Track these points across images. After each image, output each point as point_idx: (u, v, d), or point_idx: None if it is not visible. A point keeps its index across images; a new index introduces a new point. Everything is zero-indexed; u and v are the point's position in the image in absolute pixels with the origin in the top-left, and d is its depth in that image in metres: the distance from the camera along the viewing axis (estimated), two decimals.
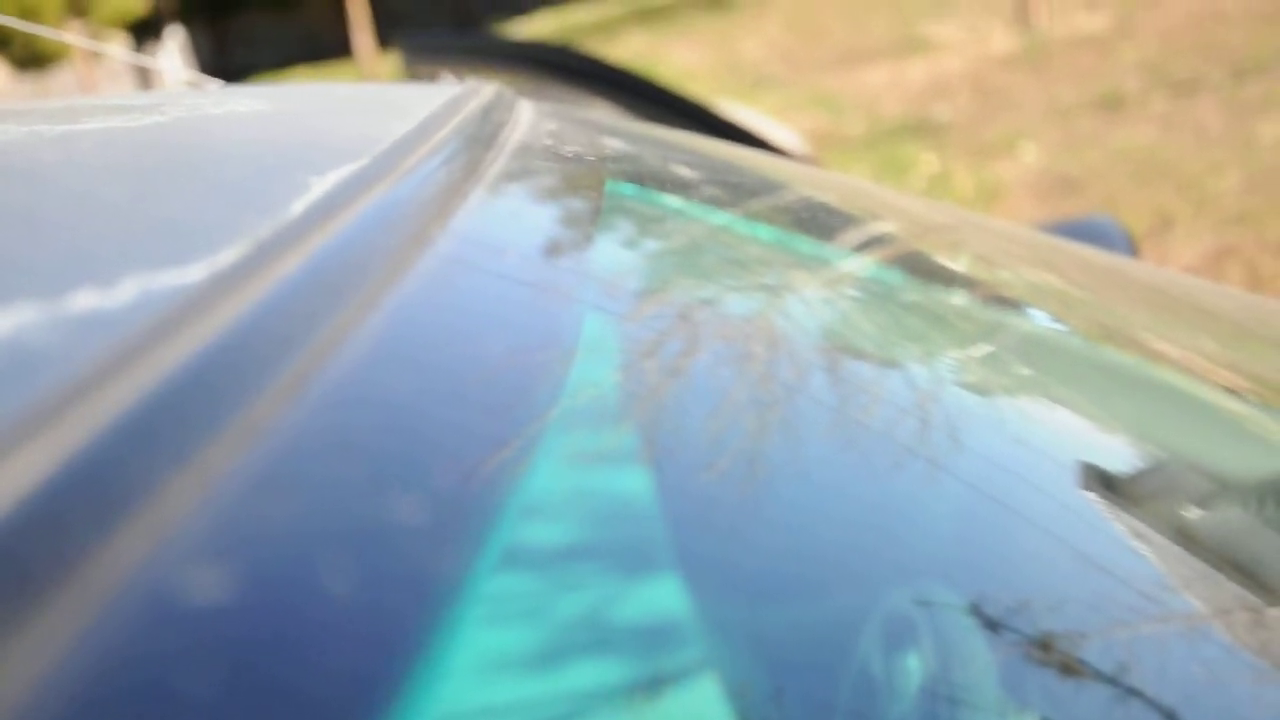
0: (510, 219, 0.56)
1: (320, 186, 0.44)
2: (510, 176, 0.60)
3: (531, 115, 0.80)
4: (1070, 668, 0.37)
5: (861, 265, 0.67)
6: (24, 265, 0.35)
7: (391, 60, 11.85)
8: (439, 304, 0.42)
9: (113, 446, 0.25)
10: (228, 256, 0.35)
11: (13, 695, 0.19)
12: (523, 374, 0.40)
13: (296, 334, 0.33)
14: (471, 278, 0.46)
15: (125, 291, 0.32)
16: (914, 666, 0.37)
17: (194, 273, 0.34)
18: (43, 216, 0.42)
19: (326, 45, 18.87)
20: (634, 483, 0.38)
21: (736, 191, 0.82)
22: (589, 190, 0.68)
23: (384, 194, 0.46)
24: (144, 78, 16.30)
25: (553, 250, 0.54)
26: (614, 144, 0.86)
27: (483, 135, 0.65)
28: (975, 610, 0.39)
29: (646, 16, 12.98)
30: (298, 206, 0.41)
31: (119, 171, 0.51)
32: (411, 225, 0.45)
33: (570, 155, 0.73)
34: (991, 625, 0.38)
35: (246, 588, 0.24)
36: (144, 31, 19.25)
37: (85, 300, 0.31)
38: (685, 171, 0.82)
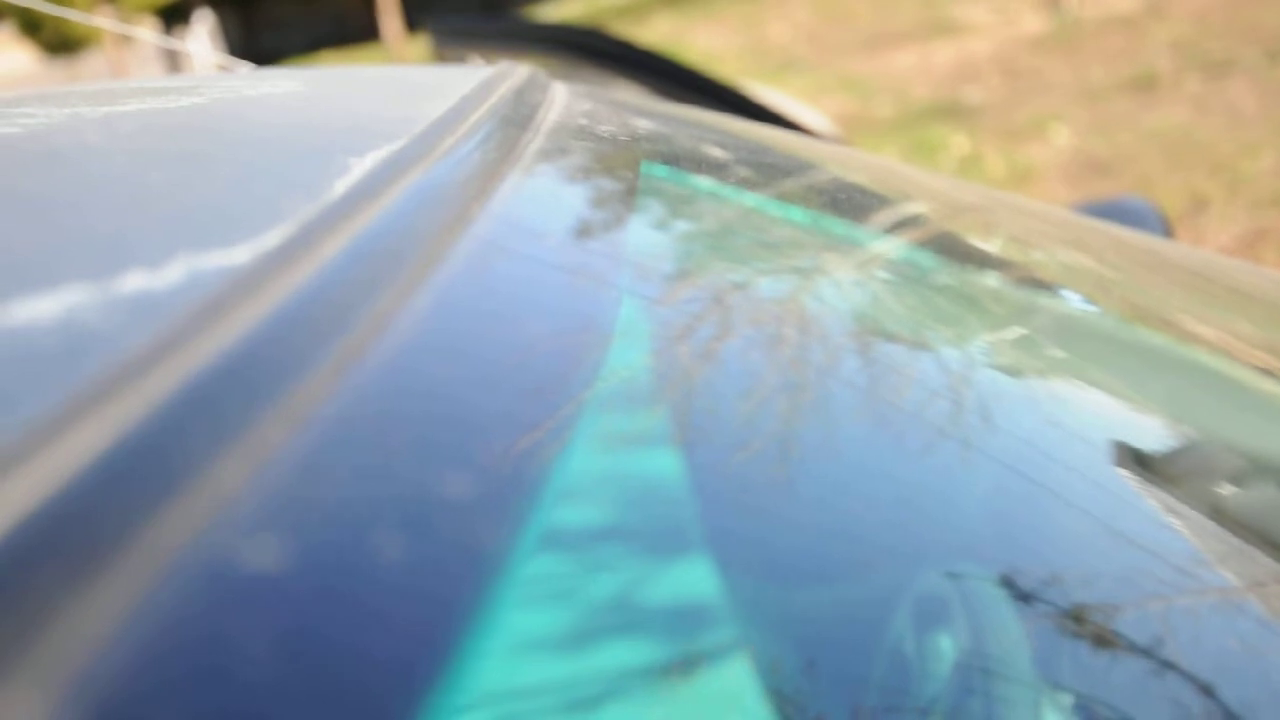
0: (548, 200, 0.56)
1: (360, 168, 0.45)
2: (547, 157, 0.61)
3: (565, 97, 0.80)
4: (1106, 644, 0.37)
5: (896, 246, 0.67)
6: (72, 248, 0.36)
7: (420, 44, 11.86)
8: (480, 286, 0.42)
9: (163, 425, 0.25)
10: (273, 238, 0.36)
11: (71, 664, 0.20)
12: (563, 357, 0.40)
13: (342, 315, 0.33)
14: (511, 259, 0.46)
15: (172, 274, 0.33)
16: (948, 646, 0.37)
17: (241, 254, 0.34)
18: (88, 200, 0.42)
19: (354, 29, 18.89)
20: (672, 465, 0.39)
21: (771, 172, 0.82)
22: (625, 171, 0.68)
23: (423, 175, 0.46)
24: (174, 62, 16.36)
25: (591, 231, 0.55)
26: (648, 125, 0.86)
27: (518, 116, 0.65)
28: (1010, 588, 0.39)
29: None
30: (339, 188, 0.42)
31: (160, 155, 0.51)
32: (452, 206, 0.45)
33: (605, 136, 0.74)
34: (1026, 603, 0.38)
35: (292, 565, 0.25)
36: (173, 16, 19.32)
37: (133, 283, 0.32)
38: (720, 152, 0.82)
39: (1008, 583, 0.39)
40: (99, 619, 0.21)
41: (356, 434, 0.30)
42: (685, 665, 0.31)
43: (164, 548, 0.23)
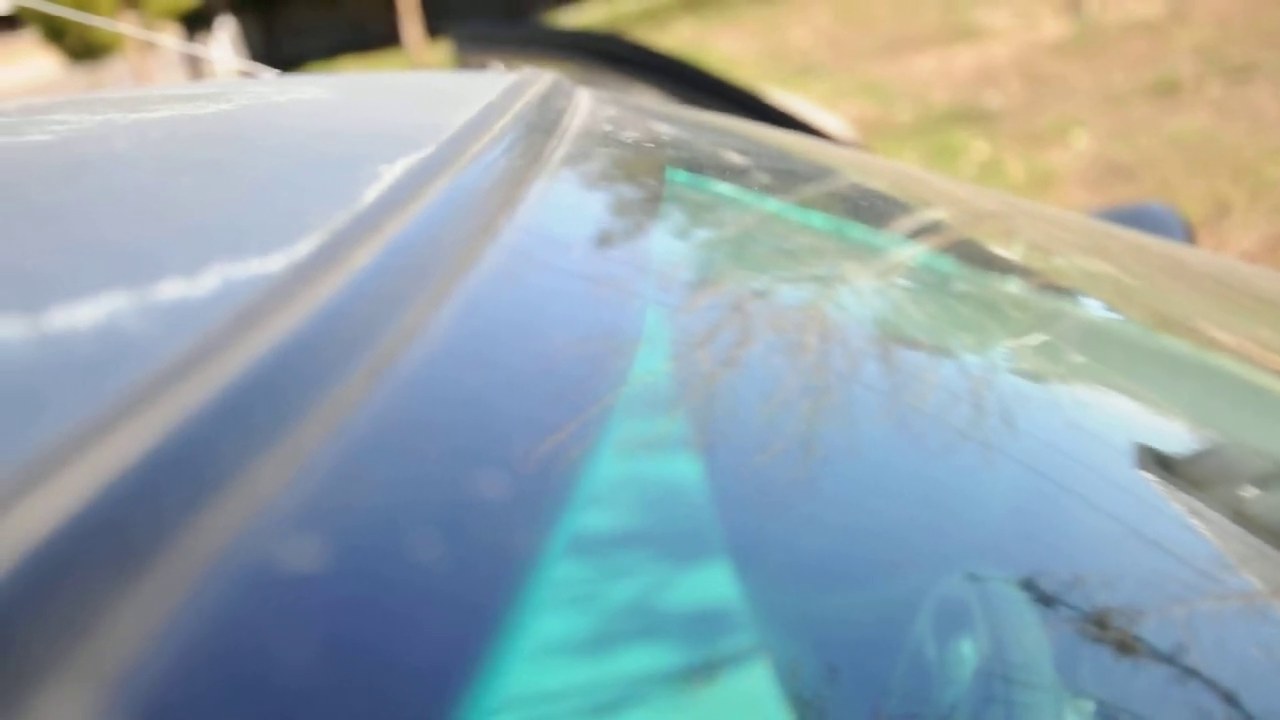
0: (574, 207, 0.57)
1: (390, 176, 0.45)
2: (572, 164, 0.61)
3: (589, 103, 0.80)
4: (1128, 648, 0.37)
5: (918, 252, 0.67)
6: (107, 256, 0.37)
7: (440, 49, 11.89)
8: (510, 293, 0.43)
9: (199, 432, 0.26)
10: (306, 247, 0.36)
11: (110, 670, 0.20)
12: (593, 363, 0.40)
13: (376, 322, 0.34)
14: (539, 267, 0.46)
15: (208, 282, 0.33)
16: (970, 651, 0.37)
17: (275, 263, 0.35)
18: (121, 208, 0.43)
19: (375, 35, 18.94)
20: (698, 471, 0.39)
21: (794, 178, 0.82)
22: (650, 178, 0.68)
23: (452, 183, 0.47)
24: (196, 68, 16.44)
25: (617, 239, 0.55)
26: (671, 131, 0.86)
27: (543, 123, 0.65)
28: (1033, 593, 0.39)
29: (694, 4, 12.95)
30: (370, 196, 0.42)
31: (191, 162, 0.52)
32: (480, 214, 0.46)
33: (630, 143, 0.74)
34: (1049, 608, 0.39)
35: (326, 571, 0.25)
36: (195, 23, 19.40)
37: (168, 291, 0.32)
38: (743, 159, 0.82)
39: (1030, 587, 0.39)
40: (138, 625, 0.21)
41: (390, 440, 0.31)
42: (709, 670, 0.31)
43: (201, 554, 0.23)
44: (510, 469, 0.32)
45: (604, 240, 0.54)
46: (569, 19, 15.05)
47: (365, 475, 0.29)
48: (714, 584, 0.34)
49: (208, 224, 0.41)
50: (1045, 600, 0.39)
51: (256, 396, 0.28)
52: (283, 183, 0.48)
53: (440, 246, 0.41)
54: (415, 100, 0.74)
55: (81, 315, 0.30)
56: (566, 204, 0.56)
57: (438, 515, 0.29)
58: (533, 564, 0.29)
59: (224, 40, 19.00)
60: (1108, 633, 0.38)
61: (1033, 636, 0.38)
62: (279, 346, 0.30)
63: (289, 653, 0.23)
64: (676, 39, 10.28)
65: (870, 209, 0.79)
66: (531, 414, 0.36)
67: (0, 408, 0.26)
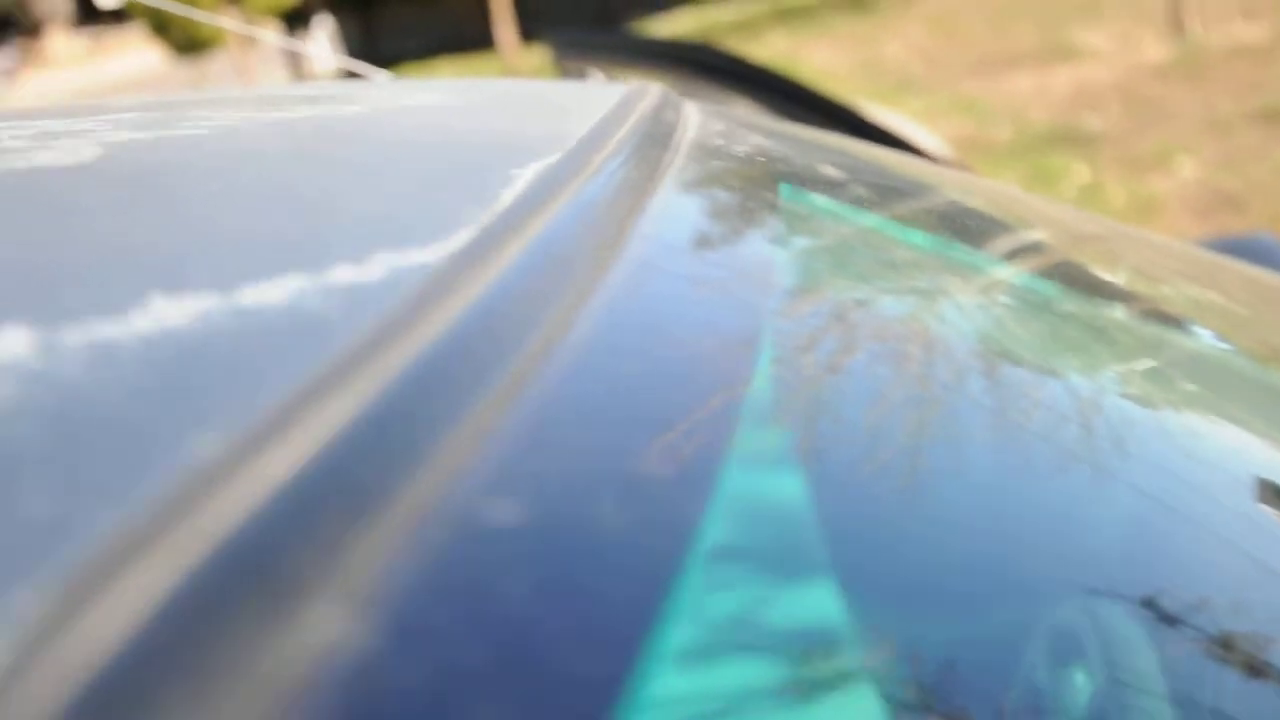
0: (692, 218, 0.58)
1: (523, 180, 0.47)
2: (687, 176, 0.62)
3: (698, 116, 0.81)
4: (1248, 680, 0.37)
5: (1025, 273, 0.67)
6: (281, 245, 0.39)
7: (534, 54, 11.99)
8: (643, 295, 0.44)
9: (398, 401, 0.28)
10: (462, 238, 0.38)
11: (360, 581, 0.23)
12: (727, 373, 0.41)
13: (531, 311, 0.35)
14: (662, 276, 0.47)
15: (380, 269, 0.35)
16: (1081, 681, 0.37)
17: (436, 252, 0.37)
18: (286, 202, 0.45)
19: (469, 37, 19.13)
20: (815, 484, 0.39)
21: (905, 196, 0.83)
22: (763, 191, 0.69)
23: (581, 190, 0.48)
24: (295, 63, 16.75)
25: (737, 249, 0.56)
26: (781, 146, 0.87)
27: (658, 135, 0.66)
28: (1146, 622, 0.39)
29: (787, 16, 12.93)
30: (507, 198, 0.44)
31: (335, 160, 0.54)
32: (609, 219, 0.47)
33: (740, 156, 0.75)
34: (1164, 638, 0.38)
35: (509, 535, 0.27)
36: (294, 20, 19.76)
37: (347, 276, 0.34)
38: (851, 175, 0.83)
39: (1144, 617, 0.39)
40: (371, 556, 0.23)
41: (566, 414, 0.33)
42: (815, 688, 0.31)
43: (414, 504, 0.25)
44: (663, 465, 0.33)
45: (721, 252, 0.55)
46: (660, 27, 15.09)
47: (543, 449, 0.30)
48: (829, 601, 0.34)
49: (366, 216, 0.43)
50: (1161, 631, 0.39)
51: (439, 374, 0.30)
52: (428, 182, 0.50)
53: (578, 248, 0.43)
54: (535, 109, 0.75)
55: (278, 299, 0.32)
56: (684, 215, 0.57)
57: (612, 492, 0.30)
58: (676, 574, 0.30)
59: (321, 38, 19.34)
60: (1227, 664, 0.38)
61: (1149, 666, 0.38)
62: (452, 329, 0.32)
63: (458, 654, 0.24)
64: (770, 50, 10.26)
65: (979, 229, 0.79)
66: (666, 420, 0.37)
67: (236, 376, 0.28)
